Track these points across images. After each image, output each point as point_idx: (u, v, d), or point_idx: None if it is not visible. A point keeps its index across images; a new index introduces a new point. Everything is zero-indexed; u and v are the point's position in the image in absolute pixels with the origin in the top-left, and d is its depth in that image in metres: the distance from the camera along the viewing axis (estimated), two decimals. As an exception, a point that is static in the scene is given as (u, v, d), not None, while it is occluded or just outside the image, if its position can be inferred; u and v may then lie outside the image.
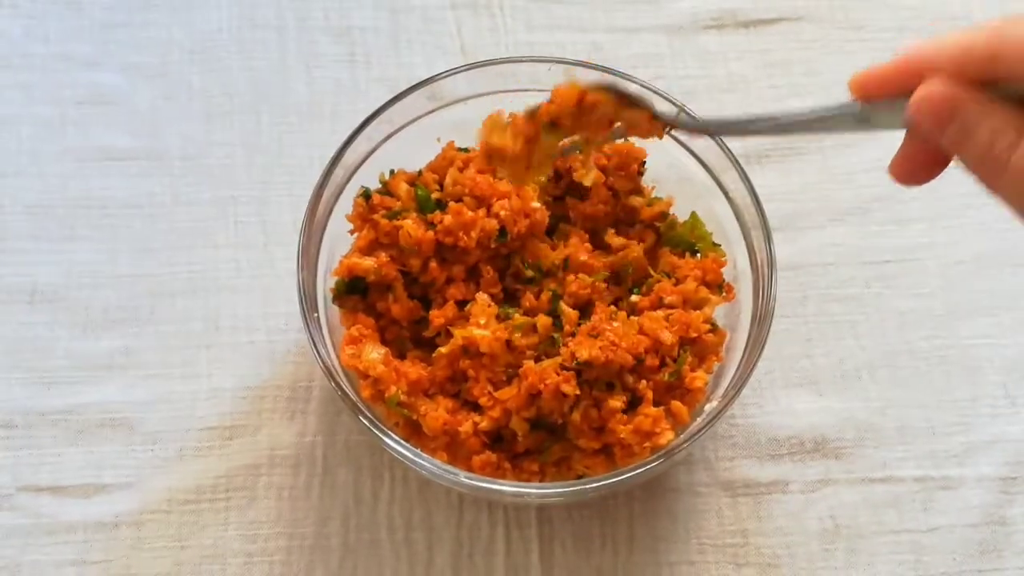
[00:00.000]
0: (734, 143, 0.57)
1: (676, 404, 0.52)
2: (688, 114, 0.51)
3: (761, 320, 0.53)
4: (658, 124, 0.47)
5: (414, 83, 0.58)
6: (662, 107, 0.48)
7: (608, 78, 0.50)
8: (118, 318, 0.61)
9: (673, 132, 0.52)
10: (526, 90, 0.59)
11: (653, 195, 0.59)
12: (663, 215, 0.59)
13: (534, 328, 0.53)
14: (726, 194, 0.57)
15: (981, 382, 0.60)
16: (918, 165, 0.38)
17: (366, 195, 0.56)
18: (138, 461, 0.57)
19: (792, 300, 0.61)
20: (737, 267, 0.57)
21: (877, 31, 0.71)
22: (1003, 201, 0.34)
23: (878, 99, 0.36)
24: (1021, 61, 0.32)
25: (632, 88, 0.48)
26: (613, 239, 0.56)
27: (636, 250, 0.55)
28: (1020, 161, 0.33)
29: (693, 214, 0.59)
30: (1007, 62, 0.32)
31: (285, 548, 0.55)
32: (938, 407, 0.59)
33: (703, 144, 0.57)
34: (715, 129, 0.50)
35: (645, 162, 0.59)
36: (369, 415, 0.51)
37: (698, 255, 0.58)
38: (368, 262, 0.55)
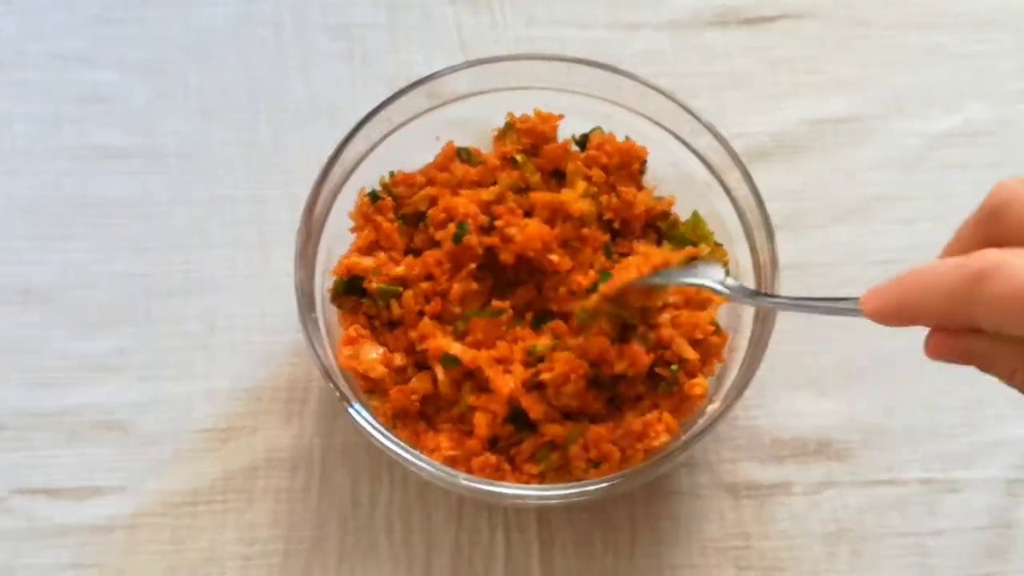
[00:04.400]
0: (736, 141, 0.57)
1: (667, 406, 0.52)
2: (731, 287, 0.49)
3: (763, 320, 0.53)
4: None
5: (413, 81, 0.57)
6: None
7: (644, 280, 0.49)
8: (113, 318, 0.60)
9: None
10: (526, 88, 0.59)
11: (655, 194, 0.58)
12: (665, 214, 0.58)
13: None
14: (728, 193, 0.57)
15: (987, 383, 0.59)
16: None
17: (374, 196, 0.56)
18: (133, 463, 0.56)
19: (795, 300, 0.61)
20: (740, 267, 0.56)
21: (882, 28, 0.70)
22: None
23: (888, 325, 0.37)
24: (998, 319, 0.33)
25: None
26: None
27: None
28: None
29: (695, 213, 0.58)
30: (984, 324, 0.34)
31: (282, 551, 0.55)
32: (943, 409, 0.59)
33: (705, 143, 0.57)
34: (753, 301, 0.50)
35: (646, 161, 0.59)
36: (368, 417, 0.50)
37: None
38: (367, 262, 0.55)
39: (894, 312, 0.35)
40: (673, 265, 0.48)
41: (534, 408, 0.51)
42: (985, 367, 0.36)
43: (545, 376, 0.51)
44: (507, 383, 0.51)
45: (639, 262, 0.49)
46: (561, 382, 0.51)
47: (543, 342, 0.52)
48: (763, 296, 0.50)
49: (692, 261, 0.48)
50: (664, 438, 0.51)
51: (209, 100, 0.67)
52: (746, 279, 0.56)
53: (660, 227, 0.58)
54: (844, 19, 0.70)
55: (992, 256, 0.32)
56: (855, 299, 0.36)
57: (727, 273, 0.49)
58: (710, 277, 0.48)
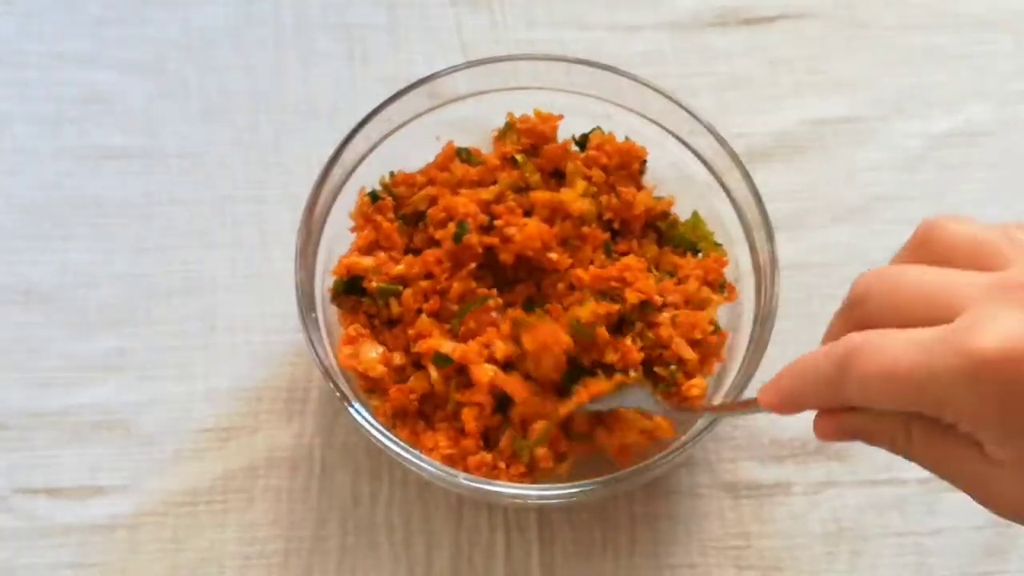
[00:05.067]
0: (736, 141, 0.57)
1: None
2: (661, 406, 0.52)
3: (763, 320, 0.53)
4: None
5: (413, 81, 0.57)
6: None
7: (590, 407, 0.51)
8: (113, 318, 0.60)
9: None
10: (526, 88, 0.59)
11: (655, 194, 0.58)
12: (664, 214, 0.58)
13: None
14: (728, 193, 0.57)
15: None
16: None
17: (374, 196, 0.56)
18: (134, 463, 0.56)
19: (795, 300, 0.61)
20: (739, 267, 0.56)
21: (882, 29, 0.70)
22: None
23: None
24: (866, 396, 0.35)
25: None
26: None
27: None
28: (918, 455, 0.37)
29: (695, 213, 0.58)
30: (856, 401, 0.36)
31: (283, 551, 0.55)
32: (943, 408, 0.59)
33: (705, 143, 0.57)
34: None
35: (646, 161, 0.59)
36: (368, 416, 0.50)
37: (700, 255, 0.57)
38: (367, 261, 0.55)
39: (784, 402, 0.38)
40: (605, 393, 0.51)
41: (517, 391, 0.51)
42: (869, 440, 0.38)
43: (527, 343, 0.51)
44: (486, 372, 0.51)
45: (579, 395, 0.51)
46: (541, 350, 0.51)
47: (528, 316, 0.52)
48: (684, 411, 0.52)
49: (621, 387, 0.51)
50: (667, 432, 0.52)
51: (209, 100, 0.67)
52: (746, 279, 0.56)
53: (660, 227, 0.58)
54: (844, 19, 0.70)
55: (855, 339, 0.35)
56: (756, 400, 0.40)
57: (654, 389, 0.52)
58: (637, 401, 0.51)
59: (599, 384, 0.51)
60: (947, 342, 0.32)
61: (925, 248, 0.37)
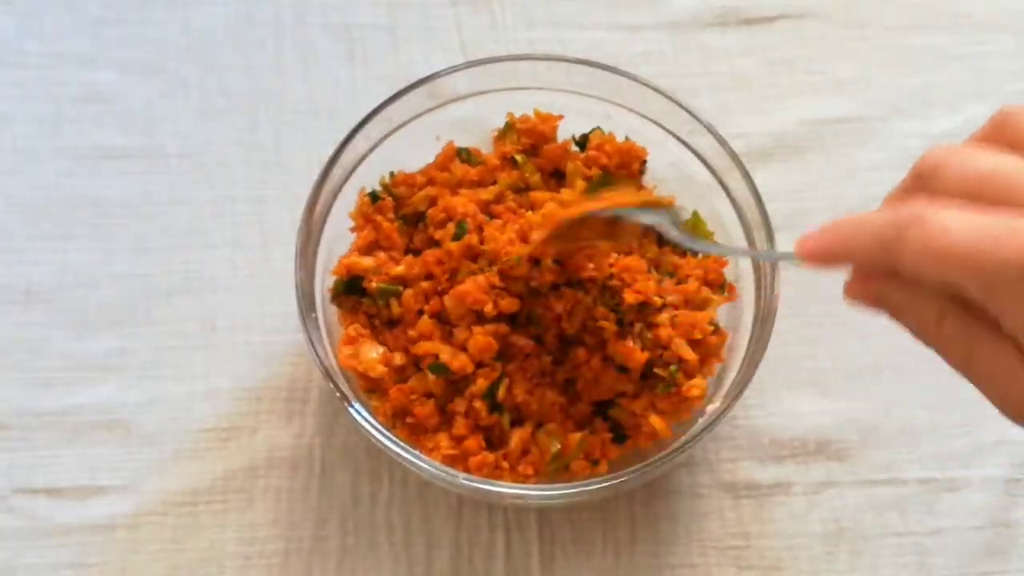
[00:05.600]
0: (736, 141, 0.57)
1: (665, 406, 0.52)
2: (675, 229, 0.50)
3: (763, 320, 0.53)
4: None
5: (413, 81, 0.57)
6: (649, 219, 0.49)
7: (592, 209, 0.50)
8: (113, 318, 0.60)
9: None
10: (526, 88, 0.59)
11: (655, 194, 0.58)
12: (665, 215, 0.58)
13: None
14: (728, 193, 0.57)
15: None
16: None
17: (374, 196, 0.56)
18: (134, 463, 0.56)
19: (795, 300, 0.61)
20: (739, 267, 0.57)
21: (882, 29, 0.70)
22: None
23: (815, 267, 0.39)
24: (916, 265, 0.34)
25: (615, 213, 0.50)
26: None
27: None
28: (945, 341, 0.36)
29: (695, 213, 0.58)
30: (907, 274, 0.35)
31: (283, 551, 0.55)
32: (943, 408, 0.59)
33: (705, 143, 0.57)
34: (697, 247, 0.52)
35: (646, 161, 0.59)
36: (368, 416, 0.50)
37: (700, 255, 0.57)
38: (367, 261, 0.55)
39: (825, 251, 0.37)
40: (631, 206, 0.50)
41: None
42: (898, 316, 0.37)
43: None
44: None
45: (605, 199, 0.50)
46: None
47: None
48: (705, 242, 0.52)
49: (647, 204, 0.50)
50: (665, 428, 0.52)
51: (209, 100, 0.67)
52: (746, 279, 0.56)
53: (660, 227, 0.58)
54: (844, 19, 0.71)
55: (920, 205, 0.34)
56: (790, 253, 0.39)
57: (676, 221, 0.50)
58: (658, 220, 0.49)
59: (627, 194, 0.50)
60: (1013, 234, 0.32)
61: (1000, 134, 0.36)
